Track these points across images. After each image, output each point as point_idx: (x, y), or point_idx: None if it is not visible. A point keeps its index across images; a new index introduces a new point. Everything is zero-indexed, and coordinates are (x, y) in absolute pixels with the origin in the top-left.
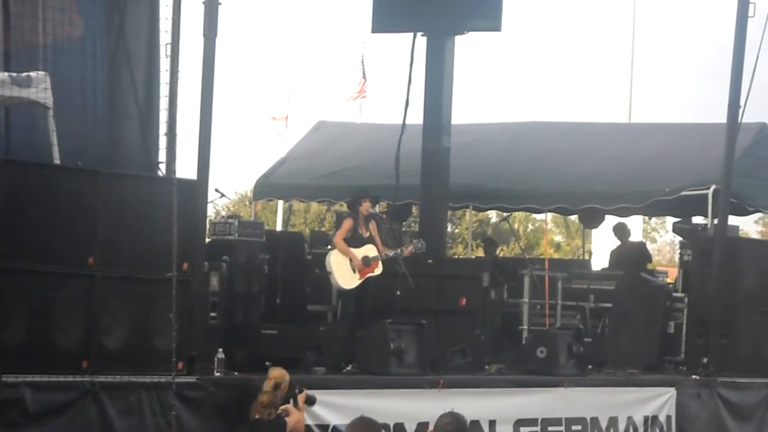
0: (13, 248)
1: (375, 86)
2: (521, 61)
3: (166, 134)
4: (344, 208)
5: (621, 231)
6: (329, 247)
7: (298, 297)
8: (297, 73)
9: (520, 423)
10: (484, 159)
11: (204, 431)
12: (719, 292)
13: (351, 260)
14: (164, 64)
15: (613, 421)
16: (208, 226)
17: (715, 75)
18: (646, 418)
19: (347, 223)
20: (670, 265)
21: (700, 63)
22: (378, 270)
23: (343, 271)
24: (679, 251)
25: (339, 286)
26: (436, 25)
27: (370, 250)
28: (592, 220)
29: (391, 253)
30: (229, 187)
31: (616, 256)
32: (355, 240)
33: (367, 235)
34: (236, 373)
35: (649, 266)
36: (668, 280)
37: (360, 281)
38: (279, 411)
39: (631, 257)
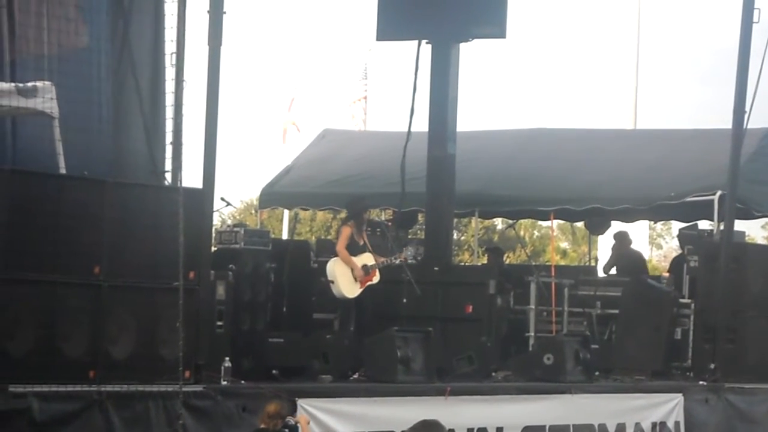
0: (19, 258)
1: (380, 94)
2: (526, 67)
3: (171, 143)
4: None
5: (622, 239)
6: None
7: (305, 305)
8: (302, 81)
9: (527, 430)
10: (489, 166)
11: None
12: (726, 297)
13: (353, 269)
14: (169, 73)
15: (621, 428)
16: (214, 234)
17: (717, 80)
18: (654, 424)
19: (347, 231)
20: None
21: (702, 68)
22: (376, 278)
23: (346, 280)
24: (674, 255)
25: (342, 294)
26: (441, 33)
27: (367, 259)
28: (598, 226)
29: (386, 261)
30: (235, 196)
31: (611, 262)
32: (352, 248)
33: (361, 243)
34: (243, 381)
35: (656, 272)
36: (664, 274)
37: (361, 290)
38: (287, 419)
39: (628, 265)
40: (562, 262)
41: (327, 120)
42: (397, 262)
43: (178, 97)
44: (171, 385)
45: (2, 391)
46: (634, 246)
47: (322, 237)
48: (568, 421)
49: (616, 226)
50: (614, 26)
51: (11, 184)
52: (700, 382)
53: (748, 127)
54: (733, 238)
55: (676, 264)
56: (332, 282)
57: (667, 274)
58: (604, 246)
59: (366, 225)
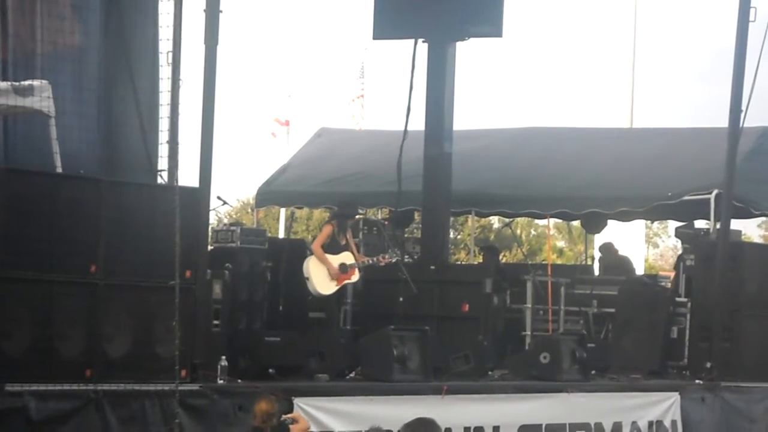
0: (15, 257)
1: (377, 93)
2: (523, 66)
3: (167, 142)
4: None
5: (608, 250)
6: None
7: (301, 304)
8: (299, 80)
9: (524, 429)
10: (486, 165)
11: None
12: (722, 296)
13: (328, 268)
14: (165, 71)
15: (617, 427)
16: (210, 233)
17: (714, 79)
18: (650, 423)
19: (327, 230)
20: (673, 270)
21: (698, 67)
22: (355, 277)
23: (320, 277)
24: (678, 254)
25: (317, 291)
26: (437, 32)
27: (347, 258)
28: (594, 225)
29: (367, 261)
30: (231, 195)
31: (601, 272)
32: (333, 247)
33: (343, 242)
34: (239, 380)
35: (652, 271)
36: (661, 273)
37: (337, 288)
38: (283, 418)
39: (617, 273)
40: (559, 261)
41: (325, 118)
42: (381, 264)
43: (174, 96)
44: (167, 384)
45: None
46: (629, 246)
47: None
48: (565, 420)
49: (613, 224)
50: (611, 24)
51: (7, 183)
52: (697, 381)
53: (745, 125)
54: (730, 237)
55: (679, 262)
56: (307, 279)
57: (664, 273)
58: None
59: (351, 226)
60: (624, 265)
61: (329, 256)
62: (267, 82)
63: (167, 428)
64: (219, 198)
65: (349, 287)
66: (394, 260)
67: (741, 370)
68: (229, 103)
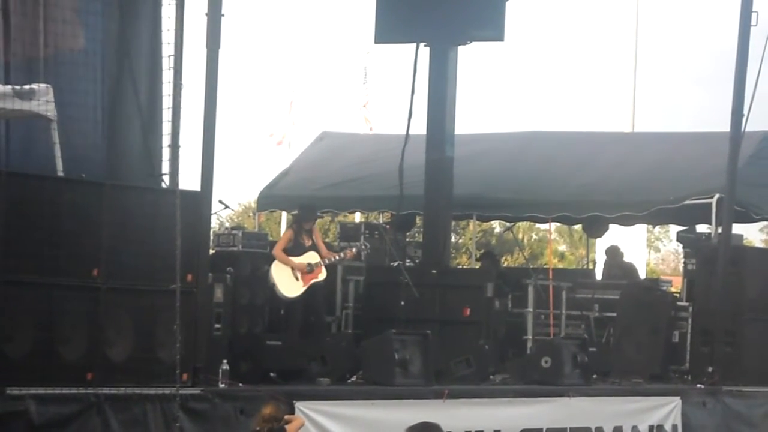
0: (17, 261)
1: (378, 97)
2: (524, 71)
3: (169, 146)
4: (349, 219)
5: (614, 253)
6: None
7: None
8: (300, 84)
9: None
10: (487, 169)
11: None
12: (724, 300)
13: (292, 268)
14: (167, 75)
15: (618, 431)
16: (212, 237)
17: (715, 83)
18: (651, 428)
19: (287, 234)
20: (675, 274)
21: (700, 71)
22: (322, 275)
23: (285, 280)
24: (683, 260)
25: (283, 296)
26: (439, 36)
27: (311, 258)
28: (596, 229)
29: (334, 258)
30: (233, 199)
31: (605, 276)
32: (297, 249)
33: (308, 243)
34: (241, 384)
35: (654, 275)
36: (672, 290)
37: (304, 288)
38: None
39: (621, 278)
40: (560, 265)
41: (327, 122)
42: (347, 258)
43: (175, 100)
44: (168, 388)
45: (0, 394)
46: (631, 250)
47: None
48: (566, 424)
49: (614, 229)
50: (612, 29)
51: (9, 187)
52: (698, 385)
53: (746, 130)
54: (731, 241)
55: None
56: (273, 285)
57: (665, 277)
58: (602, 249)
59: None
60: (629, 272)
61: (294, 259)
62: (269, 86)
63: None
64: (221, 202)
65: (351, 290)
66: (361, 252)
67: (742, 375)
68: (230, 107)
